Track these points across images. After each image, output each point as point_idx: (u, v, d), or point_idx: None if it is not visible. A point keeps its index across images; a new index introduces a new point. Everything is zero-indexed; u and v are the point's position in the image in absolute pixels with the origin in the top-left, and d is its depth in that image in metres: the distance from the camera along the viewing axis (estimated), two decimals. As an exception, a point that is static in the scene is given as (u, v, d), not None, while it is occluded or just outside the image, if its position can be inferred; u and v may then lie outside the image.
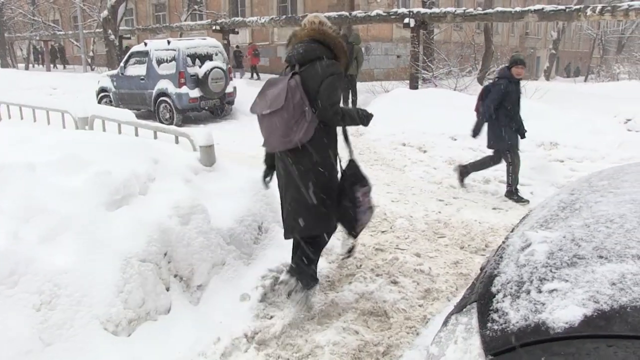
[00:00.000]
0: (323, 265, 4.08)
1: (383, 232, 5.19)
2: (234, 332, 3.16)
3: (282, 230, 3.51)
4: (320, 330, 3.26)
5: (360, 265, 4.18)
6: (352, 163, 3.30)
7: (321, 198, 3.18)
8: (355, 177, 3.28)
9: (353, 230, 3.38)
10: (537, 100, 11.22)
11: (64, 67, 31.34)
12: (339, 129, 3.32)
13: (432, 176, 7.40)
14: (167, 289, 3.26)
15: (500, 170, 7.39)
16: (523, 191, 6.54)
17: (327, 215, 3.26)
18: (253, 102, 3.22)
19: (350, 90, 14.16)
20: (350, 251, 3.59)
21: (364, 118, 3.29)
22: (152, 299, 3.09)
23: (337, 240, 4.65)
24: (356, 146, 9.61)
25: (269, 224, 4.24)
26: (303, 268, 3.39)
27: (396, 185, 6.74)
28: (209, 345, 3.05)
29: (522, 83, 15.62)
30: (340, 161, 3.33)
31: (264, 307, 3.50)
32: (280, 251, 4.10)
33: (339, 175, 3.33)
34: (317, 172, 3.17)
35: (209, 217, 3.66)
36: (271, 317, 3.39)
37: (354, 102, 14.16)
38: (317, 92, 3.05)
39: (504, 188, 6.73)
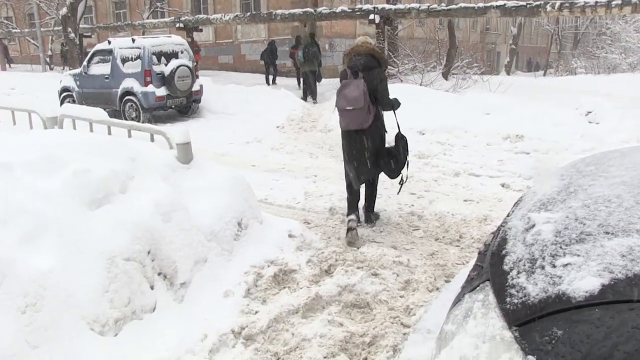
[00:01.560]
0: (304, 260, 4.12)
1: (358, 225, 5.25)
2: (220, 328, 3.17)
3: (261, 227, 4.40)
4: (306, 323, 3.30)
5: (340, 259, 4.22)
6: (400, 133, 5.00)
7: (380, 153, 4.96)
8: (404, 141, 5.00)
9: (399, 171, 5.04)
10: (501, 94, 11.47)
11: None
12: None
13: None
14: (152, 287, 3.24)
15: (469, 163, 7.56)
16: (493, 183, 6.70)
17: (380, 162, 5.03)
18: (337, 100, 4.73)
19: (308, 85, 14.60)
20: (401, 183, 5.19)
21: (398, 104, 4.98)
22: (138, 297, 3.08)
23: (316, 235, 4.71)
24: (326, 142, 9.69)
25: (248, 220, 4.25)
26: (372, 204, 5.31)
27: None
28: (196, 342, 3.05)
29: (485, 78, 15.93)
30: (386, 131, 5.04)
31: (247, 303, 3.51)
32: (260, 247, 4.13)
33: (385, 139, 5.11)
34: (376, 139, 4.90)
35: (190, 215, 3.66)
36: (256, 312, 3.41)
37: (314, 95, 14.55)
38: (376, 91, 4.72)
39: (473, 180, 6.88)
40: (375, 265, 4.10)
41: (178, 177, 4.09)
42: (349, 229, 4.79)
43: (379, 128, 4.92)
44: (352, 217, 4.90)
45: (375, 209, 5.45)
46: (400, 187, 5.26)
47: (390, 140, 5.10)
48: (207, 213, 3.93)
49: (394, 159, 4.98)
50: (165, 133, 4.50)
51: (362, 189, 5.23)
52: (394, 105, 4.93)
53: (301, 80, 15.86)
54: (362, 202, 5.33)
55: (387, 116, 5.05)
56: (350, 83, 4.68)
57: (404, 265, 4.15)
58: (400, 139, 5.00)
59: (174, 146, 4.36)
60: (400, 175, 5.09)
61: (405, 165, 5.05)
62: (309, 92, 14.89)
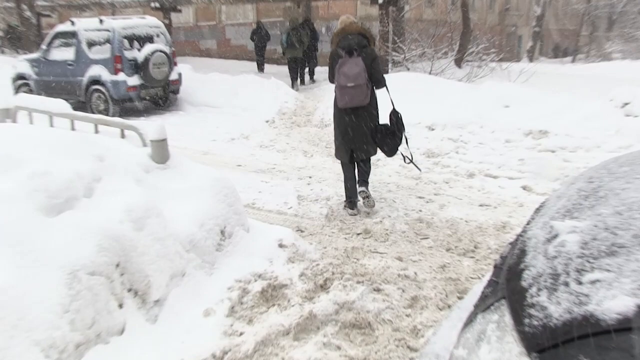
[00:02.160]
0: (297, 273, 4.11)
1: (358, 234, 5.27)
2: (199, 353, 3.15)
3: (248, 235, 4.42)
4: (298, 346, 3.29)
5: (338, 272, 4.22)
6: (395, 110, 5.81)
7: (375, 130, 5.80)
8: (399, 116, 5.81)
9: (397, 149, 5.89)
10: (522, 84, 11.49)
11: None
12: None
13: (410, 170, 7.50)
14: (120, 306, 3.22)
15: (485, 162, 7.58)
16: (512, 186, 6.70)
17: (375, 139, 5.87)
18: (337, 78, 5.55)
19: (297, 72, 14.85)
20: (411, 161, 6.13)
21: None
22: (104, 318, 3.05)
23: (310, 244, 4.71)
24: (322, 139, 9.70)
25: (232, 228, 4.24)
26: (367, 180, 6.05)
27: (369, 181, 6.81)
28: (171, 368, 3.04)
29: (504, 65, 15.94)
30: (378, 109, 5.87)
31: (231, 323, 3.50)
32: (246, 258, 4.12)
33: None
34: (373, 116, 5.77)
35: (166, 222, 3.64)
36: (241, 333, 3.40)
37: (302, 79, 14.82)
38: (371, 68, 5.53)
39: (490, 182, 6.90)
40: (377, 280, 4.10)
41: (152, 178, 4.08)
42: (352, 212, 5.91)
43: (374, 105, 5.78)
44: (354, 212, 5.90)
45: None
46: (414, 164, 6.23)
47: (384, 119, 5.90)
48: (186, 220, 3.91)
49: (391, 135, 5.80)
50: (137, 128, 4.49)
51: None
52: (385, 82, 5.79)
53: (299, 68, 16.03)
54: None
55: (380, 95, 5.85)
56: (347, 61, 5.50)
57: (411, 280, 4.15)
58: (395, 115, 5.81)
59: (148, 143, 4.35)
60: (400, 153, 6.02)
61: (405, 142, 5.92)
62: (291, 78, 15.19)
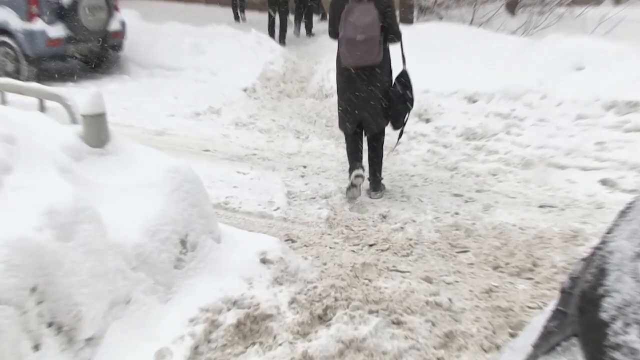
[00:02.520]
0: (286, 299, 4.11)
1: (371, 245, 5.28)
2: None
3: (219, 247, 4.43)
4: (287, 401, 3.30)
5: (343, 298, 4.21)
6: (405, 71, 6.25)
7: (386, 95, 6.26)
8: (408, 81, 6.26)
9: (402, 120, 6.37)
10: (603, 37, 11.43)
11: None
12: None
13: (442, 158, 7.53)
14: (37, 347, 3.21)
15: (548, 147, 7.57)
16: (587, 179, 6.67)
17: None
18: (343, 28, 5.84)
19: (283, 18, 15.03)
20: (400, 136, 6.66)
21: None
22: (13, 364, 3.04)
23: (305, 259, 4.70)
24: (320, 114, 9.73)
25: (197, 236, 4.23)
26: (379, 167, 6.56)
27: (387, 172, 6.83)
28: None
29: (577, 11, 15.84)
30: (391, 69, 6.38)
31: (195, 369, 3.50)
32: (216, 279, 4.11)
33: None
34: (386, 78, 6.22)
35: (104, 229, 3.63)
36: (208, 383, 3.41)
37: (283, 36, 15.03)
38: (385, 16, 5.89)
39: (555, 174, 6.88)
40: (397, 309, 4.11)
41: (85, 168, 4.07)
42: (353, 185, 6.19)
43: (387, 65, 6.24)
44: (359, 171, 6.21)
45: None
46: (398, 140, 6.72)
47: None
48: (132, 226, 3.91)
49: (402, 103, 6.25)
50: (63, 98, 4.48)
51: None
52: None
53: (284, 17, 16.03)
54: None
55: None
56: (355, 7, 5.85)
57: (444, 309, 4.17)
58: (405, 77, 6.25)
59: (78, 119, 4.34)
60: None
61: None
62: (269, 26, 15.30)
